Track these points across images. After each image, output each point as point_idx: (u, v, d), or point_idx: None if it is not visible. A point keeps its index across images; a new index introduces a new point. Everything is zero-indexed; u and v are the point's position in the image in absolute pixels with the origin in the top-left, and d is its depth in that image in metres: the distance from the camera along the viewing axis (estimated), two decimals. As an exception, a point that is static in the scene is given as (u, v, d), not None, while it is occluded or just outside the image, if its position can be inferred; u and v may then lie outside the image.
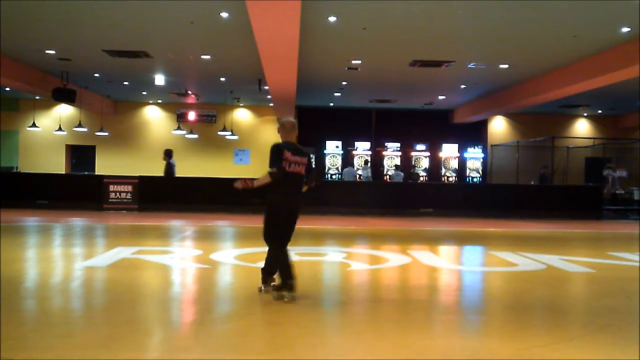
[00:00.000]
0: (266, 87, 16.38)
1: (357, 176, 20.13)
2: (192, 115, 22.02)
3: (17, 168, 21.41)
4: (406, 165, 22.89)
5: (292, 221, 4.99)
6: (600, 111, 22.45)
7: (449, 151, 23.20)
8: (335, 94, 19.57)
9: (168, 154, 14.51)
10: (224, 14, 10.21)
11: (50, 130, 21.16)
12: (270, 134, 23.00)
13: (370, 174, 19.19)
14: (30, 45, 13.23)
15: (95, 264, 6.58)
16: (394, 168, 21.55)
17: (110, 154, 22.41)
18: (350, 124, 22.96)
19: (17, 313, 4.44)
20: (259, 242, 8.87)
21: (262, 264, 6.67)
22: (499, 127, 23.35)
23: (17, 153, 21.98)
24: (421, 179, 22.48)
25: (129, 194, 14.38)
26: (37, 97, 19.99)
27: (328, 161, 22.47)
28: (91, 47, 13.21)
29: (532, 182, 18.97)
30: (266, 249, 5.13)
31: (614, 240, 10.97)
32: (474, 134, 23.40)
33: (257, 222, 11.94)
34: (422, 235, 11.02)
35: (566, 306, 5.24)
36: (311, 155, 5.44)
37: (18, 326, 4.05)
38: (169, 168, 14.44)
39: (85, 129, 20.44)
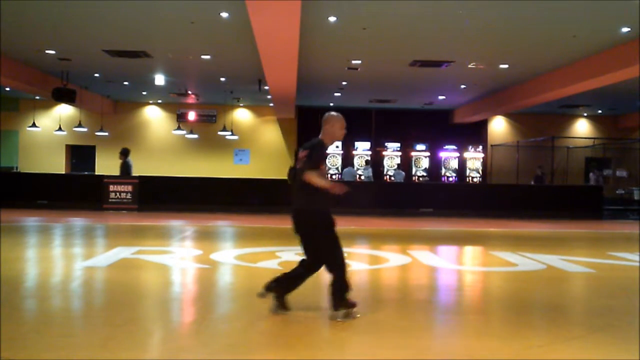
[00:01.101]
0: (266, 87, 16.38)
1: (357, 176, 20.12)
2: (192, 115, 22.01)
3: (17, 168, 21.41)
4: (406, 165, 22.89)
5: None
6: (600, 111, 22.44)
7: (448, 151, 23.24)
8: (335, 94, 19.57)
9: (124, 152, 14.53)
10: (224, 14, 10.21)
11: (50, 130, 21.16)
12: (270, 134, 23.03)
13: (371, 174, 19.16)
14: (30, 45, 13.22)
15: (95, 264, 6.58)
16: (394, 168, 21.56)
17: (110, 154, 22.36)
18: (350, 124, 22.78)
19: (17, 313, 4.44)
20: (259, 242, 8.92)
21: (262, 264, 6.70)
22: (499, 127, 23.35)
23: (17, 153, 21.98)
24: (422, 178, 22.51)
25: (129, 194, 14.38)
26: (37, 97, 19.99)
27: (328, 161, 22.46)
28: (91, 47, 13.21)
29: (532, 182, 18.99)
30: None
31: (613, 240, 10.97)
32: (474, 134, 23.41)
33: (257, 222, 11.97)
34: (422, 235, 11.02)
35: (566, 306, 5.24)
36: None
37: (18, 326, 4.05)
38: (125, 167, 14.45)
39: (85, 129, 20.45)
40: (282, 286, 4.43)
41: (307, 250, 4.43)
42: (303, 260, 4.49)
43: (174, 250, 7.79)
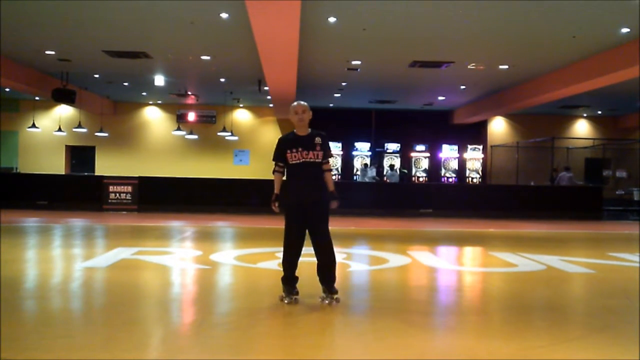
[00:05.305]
0: (266, 88, 16.39)
1: (374, 178, 20.06)
2: (191, 116, 22.02)
3: (17, 168, 21.41)
4: (406, 165, 22.88)
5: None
6: (600, 112, 22.45)
7: (448, 151, 23.23)
8: (335, 95, 19.58)
9: None
10: (224, 15, 10.22)
11: (50, 131, 21.17)
12: (270, 135, 23.01)
13: (375, 175, 19.06)
14: (30, 46, 13.23)
15: (95, 264, 6.57)
16: (389, 169, 21.55)
17: (110, 154, 22.41)
18: (350, 124, 22.96)
19: (17, 313, 4.44)
20: (259, 242, 8.92)
21: (262, 265, 6.70)
22: (498, 127, 23.35)
23: (17, 153, 21.99)
24: (414, 179, 22.42)
25: (128, 195, 14.38)
26: (37, 98, 20.00)
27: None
28: (91, 48, 13.21)
29: (532, 183, 18.99)
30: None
31: (613, 240, 10.96)
32: (474, 134, 23.41)
33: (257, 223, 11.97)
34: (421, 236, 11.01)
35: (566, 306, 5.24)
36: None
37: (18, 326, 4.04)
38: None
39: (85, 130, 20.46)
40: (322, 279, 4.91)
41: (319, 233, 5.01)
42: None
43: (174, 251, 7.78)
